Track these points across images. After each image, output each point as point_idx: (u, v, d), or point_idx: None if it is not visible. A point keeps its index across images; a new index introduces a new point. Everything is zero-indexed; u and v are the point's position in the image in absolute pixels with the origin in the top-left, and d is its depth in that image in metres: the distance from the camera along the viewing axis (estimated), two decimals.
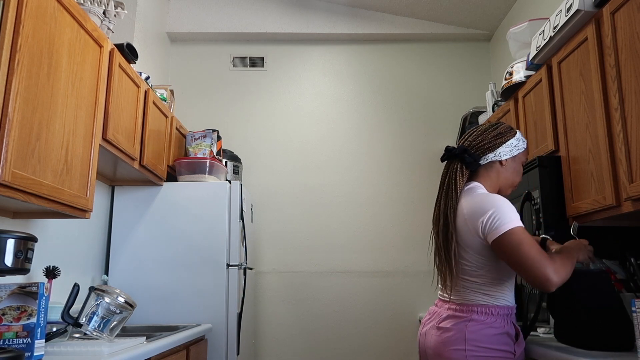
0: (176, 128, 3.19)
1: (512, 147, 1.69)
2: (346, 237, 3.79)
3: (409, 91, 4.04)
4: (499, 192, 1.70)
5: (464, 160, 1.67)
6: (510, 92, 2.72)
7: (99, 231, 2.86)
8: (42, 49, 1.67)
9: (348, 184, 3.86)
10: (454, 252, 1.59)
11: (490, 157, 1.68)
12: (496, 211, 1.51)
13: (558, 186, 2.13)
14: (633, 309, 1.44)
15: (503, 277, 1.59)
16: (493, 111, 3.08)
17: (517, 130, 1.76)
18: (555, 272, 1.45)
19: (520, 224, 1.51)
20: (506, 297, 1.60)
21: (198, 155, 3.15)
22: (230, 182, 3.02)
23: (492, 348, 1.53)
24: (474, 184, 1.68)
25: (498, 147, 1.68)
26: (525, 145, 1.74)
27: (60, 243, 2.43)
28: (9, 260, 1.54)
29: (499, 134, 1.71)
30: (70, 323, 1.74)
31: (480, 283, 1.58)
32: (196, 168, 3.06)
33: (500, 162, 1.68)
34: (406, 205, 3.82)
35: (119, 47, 2.37)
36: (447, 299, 1.66)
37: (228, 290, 2.86)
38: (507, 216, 1.50)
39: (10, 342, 1.44)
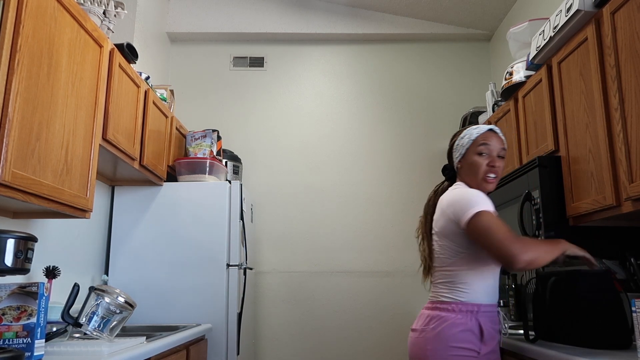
0: (176, 128, 3.19)
1: (458, 149, 1.82)
2: (346, 237, 3.79)
3: (409, 91, 4.04)
4: (478, 188, 1.74)
5: (445, 169, 1.92)
6: (510, 92, 2.72)
7: (99, 231, 2.86)
8: (42, 49, 1.67)
9: (348, 184, 3.86)
10: (431, 240, 1.79)
11: (455, 165, 1.85)
12: (467, 198, 1.65)
13: (558, 186, 2.13)
14: (633, 309, 1.45)
15: (476, 269, 1.65)
16: (493, 111, 3.08)
17: (465, 129, 1.83)
18: (522, 250, 1.50)
19: (489, 209, 1.61)
20: (475, 294, 1.64)
21: (198, 155, 3.15)
22: (230, 182, 3.02)
23: (454, 346, 1.57)
24: (458, 183, 1.82)
25: (452, 155, 1.87)
26: (471, 137, 1.78)
27: (60, 243, 2.43)
28: (9, 260, 1.54)
29: (450, 145, 1.89)
30: (70, 323, 1.74)
31: (452, 275, 1.67)
32: (196, 168, 3.06)
33: (458, 167, 1.83)
34: (406, 205, 3.82)
35: (119, 47, 2.37)
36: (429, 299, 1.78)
37: (228, 290, 2.86)
38: (476, 202, 1.62)
39: (10, 342, 1.44)
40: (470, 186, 1.75)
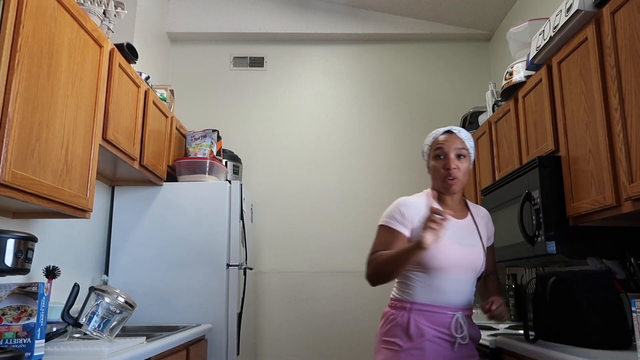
0: (176, 128, 3.19)
1: (424, 157, 1.86)
2: (346, 237, 3.79)
3: (409, 91, 4.04)
4: (444, 192, 1.76)
5: None
6: (510, 92, 2.72)
7: (99, 231, 2.86)
8: (42, 49, 1.67)
9: (348, 184, 3.86)
10: None
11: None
12: (387, 208, 1.77)
13: (558, 186, 2.13)
14: (633, 309, 1.45)
15: (418, 270, 1.70)
16: (493, 111, 3.08)
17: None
18: (367, 267, 1.67)
19: (388, 224, 1.71)
20: (413, 292, 1.69)
21: (198, 155, 3.15)
22: (230, 182, 3.02)
23: (384, 339, 1.70)
24: (427, 189, 1.88)
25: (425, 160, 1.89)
26: (429, 143, 1.81)
27: (60, 243, 2.43)
28: (9, 260, 1.54)
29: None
30: (70, 323, 1.74)
31: (403, 275, 1.74)
32: (196, 168, 3.06)
33: (429, 173, 1.86)
34: None
35: (119, 47, 2.37)
36: None
37: (228, 290, 2.86)
38: (385, 214, 1.75)
39: (10, 342, 1.44)
40: (438, 190, 1.79)
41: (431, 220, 1.48)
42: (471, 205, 1.88)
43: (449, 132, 1.78)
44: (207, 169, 3.06)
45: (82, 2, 2.15)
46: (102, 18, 2.23)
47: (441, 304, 1.67)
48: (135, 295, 2.83)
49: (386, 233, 1.71)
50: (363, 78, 4.07)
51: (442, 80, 4.06)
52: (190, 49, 4.11)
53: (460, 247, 1.70)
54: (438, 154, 1.75)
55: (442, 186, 1.75)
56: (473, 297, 1.77)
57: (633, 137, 1.65)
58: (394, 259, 1.59)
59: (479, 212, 1.88)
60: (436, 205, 1.77)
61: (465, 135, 1.78)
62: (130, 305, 1.84)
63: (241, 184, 3.04)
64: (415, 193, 1.85)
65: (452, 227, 1.73)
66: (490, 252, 1.90)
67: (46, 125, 1.70)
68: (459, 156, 1.74)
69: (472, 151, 1.78)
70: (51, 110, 1.73)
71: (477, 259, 1.72)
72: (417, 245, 1.50)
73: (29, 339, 1.45)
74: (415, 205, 1.74)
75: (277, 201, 3.84)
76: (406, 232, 1.70)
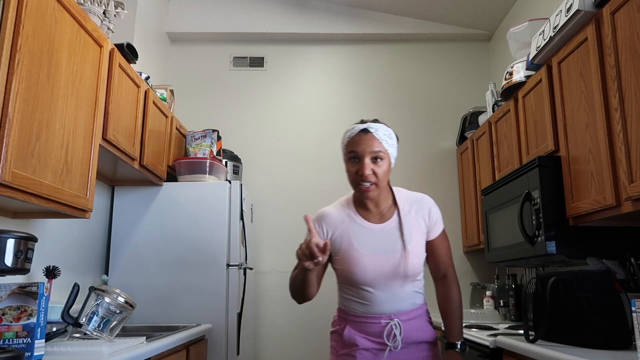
0: (176, 128, 3.18)
1: (343, 154, 1.67)
2: None
3: (409, 91, 4.04)
4: (360, 197, 1.64)
5: None
6: (510, 92, 2.72)
7: (99, 231, 2.86)
8: (42, 49, 1.67)
9: (348, 184, 3.85)
10: None
11: None
12: None
13: (558, 186, 2.13)
14: (633, 309, 1.45)
15: (340, 283, 1.70)
16: (493, 111, 3.08)
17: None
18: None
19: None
20: (346, 303, 1.68)
21: (198, 155, 3.15)
22: (230, 182, 3.02)
23: (330, 343, 1.73)
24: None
25: None
26: (343, 142, 1.62)
27: (60, 243, 2.43)
28: (9, 260, 1.54)
29: None
30: (70, 323, 1.74)
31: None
32: (196, 168, 3.06)
33: None
34: None
35: (119, 47, 2.37)
36: None
37: (228, 290, 2.86)
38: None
39: (10, 342, 1.44)
40: (356, 195, 1.66)
41: (302, 254, 1.38)
42: (403, 198, 1.69)
43: (364, 131, 1.57)
44: (207, 169, 3.06)
45: (82, 2, 2.15)
46: (102, 18, 2.23)
47: (373, 314, 1.60)
48: (135, 295, 2.83)
49: None
50: (363, 78, 4.07)
51: (442, 80, 4.06)
52: (190, 49, 4.11)
53: (380, 257, 1.58)
54: (351, 156, 1.58)
55: (357, 192, 1.61)
56: (418, 297, 1.66)
57: (633, 137, 1.65)
58: (296, 279, 1.58)
59: (412, 204, 1.67)
60: (354, 212, 1.65)
61: (383, 133, 1.58)
62: (130, 305, 1.84)
63: (241, 184, 3.04)
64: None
65: (370, 236, 1.61)
66: (435, 246, 1.69)
67: (46, 125, 1.70)
68: (375, 159, 1.56)
69: (392, 149, 1.59)
70: (51, 110, 1.73)
71: (401, 266, 1.57)
72: (303, 267, 1.42)
73: (29, 339, 1.45)
74: (333, 217, 1.65)
75: (277, 201, 3.84)
76: None
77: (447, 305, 1.69)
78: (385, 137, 1.58)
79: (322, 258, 1.37)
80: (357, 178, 1.57)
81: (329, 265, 1.70)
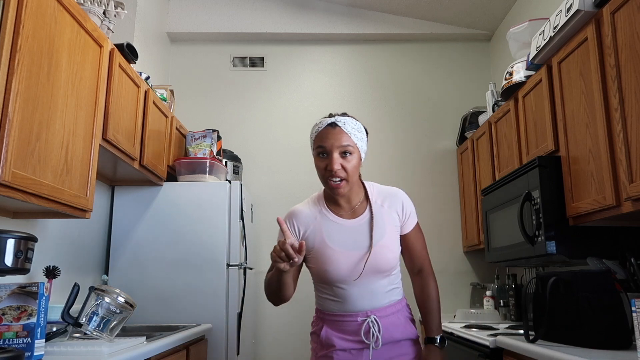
0: (176, 128, 3.19)
1: (311, 149, 1.60)
2: None
3: (409, 91, 4.04)
4: (331, 193, 1.59)
5: None
6: (510, 92, 2.72)
7: (99, 231, 2.86)
8: (42, 49, 1.67)
9: None
10: None
11: None
12: None
13: (558, 186, 2.13)
14: (633, 309, 1.45)
15: (315, 282, 1.67)
16: (493, 111, 3.08)
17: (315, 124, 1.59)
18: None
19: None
20: (322, 302, 1.64)
21: (198, 155, 3.15)
22: (230, 182, 3.02)
23: (310, 344, 1.71)
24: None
25: None
26: (311, 137, 1.57)
27: (60, 243, 2.43)
28: (9, 260, 1.54)
29: None
30: (70, 323, 1.74)
31: None
32: (196, 168, 3.06)
33: None
34: None
35: (119, 47, 2.37)
36: None
37: (228, 290, 2.86)
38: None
39: (10, 342, 1.44)
40: (327, 191, 1.61)
41: (277, 255, 1.36)
42: (375, 192, 1.67)
43: (332, 125, 1.53)
44: (207, 169, 3.06)
45: (82, 2, 2.15)
46: (102, 18, 2.23)
47: (348, 312, 1.57)
48: (135, 295, 2.83)
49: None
50: (363, 78, 4.07)
51: (442, 80, 4.06)
52: (190, 49, 4.11)
53: (350, 254, 1.55)
54: (320, 151, 1.53)
55: (327, 188, 1.57)
56: (395, 293, 1.63)
57: (633, 137, 1.65)
58: (271, 281, 1.55)
59: (385, 198, 1.65)
60: (325, 208, 1.62)
61: (352, 127, 1.54)
62: (131, 305, 1.84)
63: (241, 184, 3.04)
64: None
65: (342, 232, 1.58)
66: (410, 240, 1.66)
67: (46, 125, 1.70)
68: (344, 153, 1.52)
69: (361, 144, 1.56)
70: (51, 110, 1.73)
71: (373, 262, 1.54)
72: (279, 269, 1.40)
73: (29, 339, 1.45)
74: (305, 214, 1.62)
75: (277, 201, 3.84)
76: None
77: (425, 300, 1.66)
78: (354, 131, 1.54)
79: (297, 259, 1.36)
80: (326, 174, 1.52)
81: (304, 265, 1.67)
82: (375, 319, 1.55)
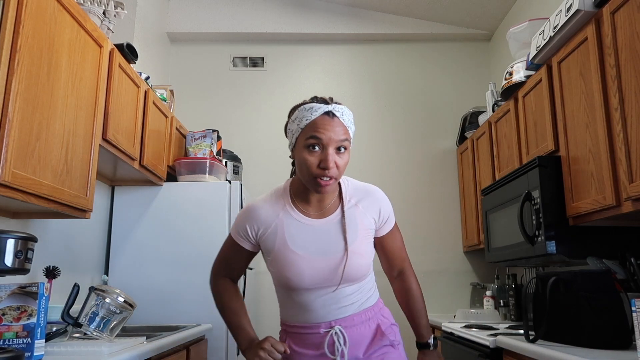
0: (176, 128, 3.19)
1: (289, 135, 1.39)
2: None
3: (409, 91, 4.04)
4: (311, 189, 1.37)
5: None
6: (510, 92, 2.73)
7: (99, 231, 2.86)
8: (42, 49, 1.67)
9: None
10: None
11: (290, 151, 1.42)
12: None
13: (558, 186, 2.13)
14: (633, 309, 1.45)
15: (277, 288, 1.50)
16: (493, 111, 3.08)
17: (300, 105, 1.38)
18: (211, 280, 1.64)
19: (234, 235, 1.48)
20: (284, 311, 1.49)
21: (198, 155, 3.15)
22: (230, 182, 3.02)
23: None
24: (288, 180, 1.51)
25: (287, 138, 1.42)
26: (300, 125, 1.33)
27: (60, 243, 2.43)
28: (9, 260, 1.54)
29: (286, 122, 1.43)
30: (70, 323, 1.74)
31: None
32: (196, 168, 3.06)
33: (291, 157, 1.42)
34: (406, 205, 3.81)
35: (119, 47, 2.36)
36: None
37: None
38: (235, 221, 1.49)
39: (10, 342, 1.44)
40: (304, 184, 1.39)
41: (262, 351, 1.28)
42: (350, 189, 1.48)
43: (330, 114, 1.31)
44: (207, 169, 3.06)
45: (82, 2, 2.15)
46: (102, 18, 2.23)
47: (311, 323, 1.40)
48: (135, 295, 2.83)
49: (230, 245, 1.49)
50: (363, 78, 4.07)
51: (442, 80, 4.06)
52: (190, 49, 4.11)
53: (319, 259, 1.37)
54: (313, 143, 1.29)
55: (311, 185, 1.33)
56: (366, 299, 1.46)
57: (633, 137, 1.65)
58: (227, 320, 1.49)
59: (361, 198, 1.47)
60: (290, 205, 1.43)
61: (348, 117, 1.35)
62: (131, 305, 1.84)
63: (241, 184, 3.04)
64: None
65: (308, 233, 1.39)
66: (387, 242, 1.51)
67: (46, 125, 1.70)
68: (339, 148, 1.31)
69: (352, 136, 1.37)
70: (51, 110, 1.73)
71: (342, 269, 1.36)
72: (241, 347, 1.35)
73: (29, 339, 1.45)
74: (265, 212, 1.43)
75: None
76: (249, 247, 1.48)
77: (411, 302, 1.52)
78: (350, 124, 1.35)
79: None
80: (317, 171, 1.29)
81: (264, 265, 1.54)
82: (340, 330, 1.38)
